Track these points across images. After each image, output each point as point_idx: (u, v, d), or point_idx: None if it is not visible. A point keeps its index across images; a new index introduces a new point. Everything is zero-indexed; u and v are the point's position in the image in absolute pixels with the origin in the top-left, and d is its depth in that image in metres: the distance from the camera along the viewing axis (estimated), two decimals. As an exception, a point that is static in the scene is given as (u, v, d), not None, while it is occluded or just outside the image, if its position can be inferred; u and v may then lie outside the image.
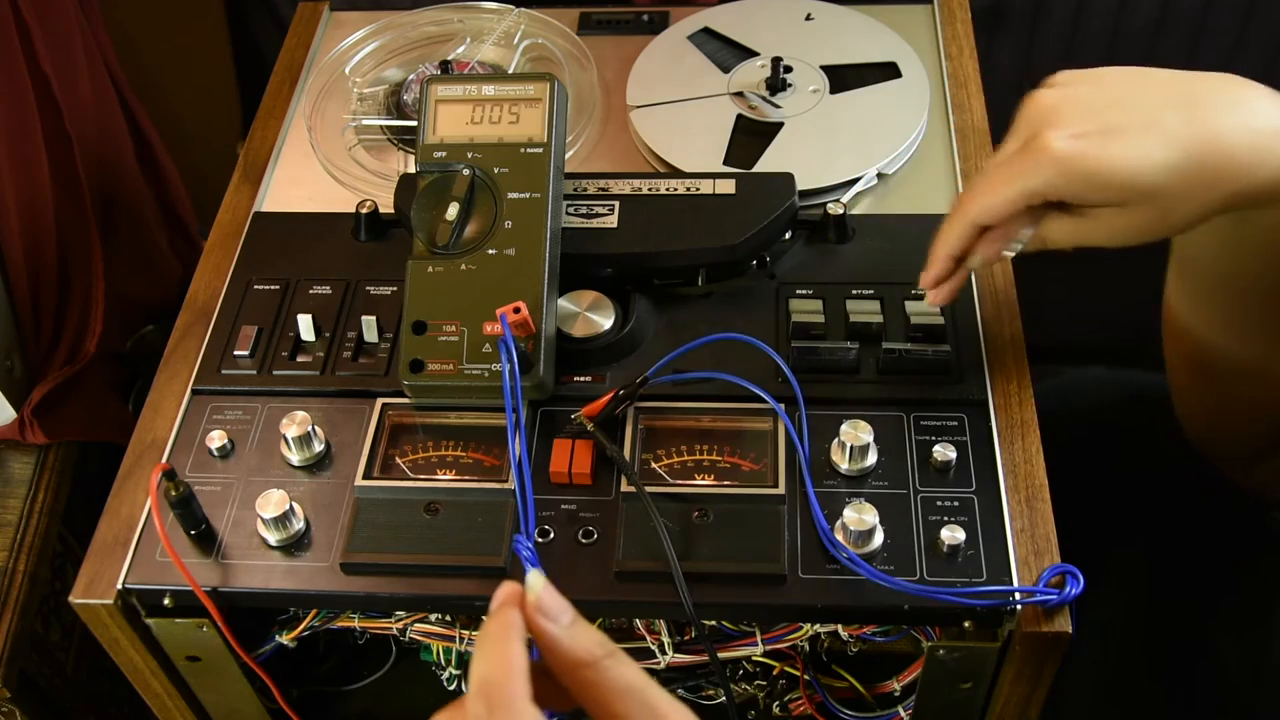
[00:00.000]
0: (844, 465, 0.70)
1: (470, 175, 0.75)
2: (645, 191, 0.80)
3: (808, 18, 0.96)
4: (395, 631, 0.73)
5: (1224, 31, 1.25)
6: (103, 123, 1.06)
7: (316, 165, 0.90)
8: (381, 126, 0.91)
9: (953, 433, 0.71)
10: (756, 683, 0.78)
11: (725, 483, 0.70)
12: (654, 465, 0.71)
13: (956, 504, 0.68)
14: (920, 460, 0.70)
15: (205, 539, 0.69)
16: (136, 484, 0.73)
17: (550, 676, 0.50)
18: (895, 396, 0.73)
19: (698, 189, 0.79)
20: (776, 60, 0.90)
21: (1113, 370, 0.94)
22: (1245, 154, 0.59)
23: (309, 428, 0.71)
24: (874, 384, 0.73)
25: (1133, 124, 0.60)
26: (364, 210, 0.83)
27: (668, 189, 0.80)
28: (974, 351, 0.75)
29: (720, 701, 0.77)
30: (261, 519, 0.68)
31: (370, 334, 0.77)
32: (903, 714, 0.76)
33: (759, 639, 0.71)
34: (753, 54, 0.93)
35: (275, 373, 0.76)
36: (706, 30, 0.96)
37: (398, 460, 0.72)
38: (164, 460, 0.73)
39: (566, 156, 0.81)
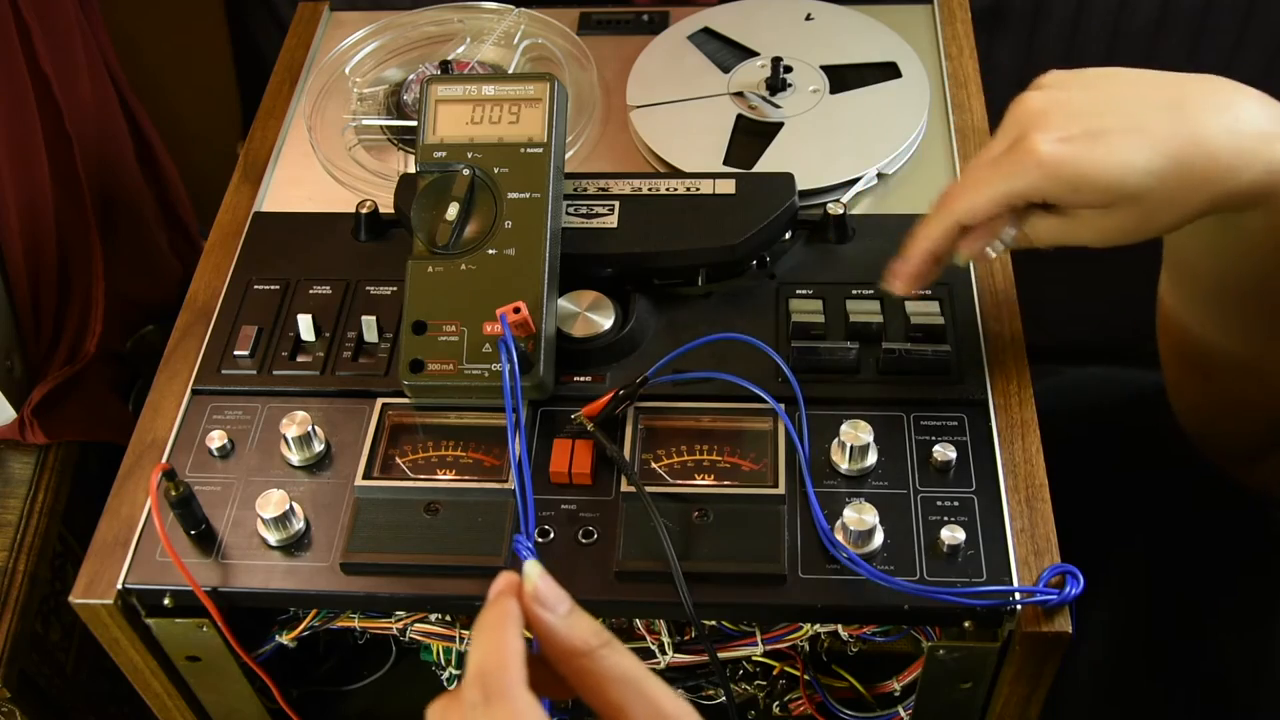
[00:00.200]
0: (844, 465, 0.70)
1: (470, 175, 0.75)
2: (645, 191, 0.80)
3: (808, 18, 0.96)
4: (395, 631, 0.73)
5: (1224, 31, 1.25)
6: (103, 123, 1.06)
7: (316, 165, 0.90)
8: (381, 126, 0.91)
9: (953, 433, 0.71)
10: (756, 683, 0.78)
11: (725, 483, 0.70)
12: (654, 465, 0.71)
13: (956, 504, 0.68)
14: (920, 460, 0.70)
15: (205, 539, 0.69)
16: (136, 484, 0.73)
17: (547, 665, 0.50)
18: (895, 396, 0.73)
19: (698, 189, 0.79)
20: (776, 60, 0.90)
21: (1113, 370, 0.94)
22: (1229, 157, 0.59)
23: (309, 428, 0.71)
24: (874, 384, 0.73)
25: (1118, 127, 0.60)
26: (364, 210, 0.83)
27: (668, 189, 0.80)
28: (974, 351, 0.75)
29: (720, 701, 0.77)
30: (261, 519, 0.68)
31: (370, 334, 0.77)
32: (903, 714, 0.76)
33: (759, 639, 0.71)
34: (753, 54, 0.93)
35: (275, 373, 0.76)
36: (706, 30, 0.96)
37: (398, 460, 0.72)
38: (164, 460, 0.73)
39: (566, 156, 0.81)
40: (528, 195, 0.74)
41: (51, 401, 0.97)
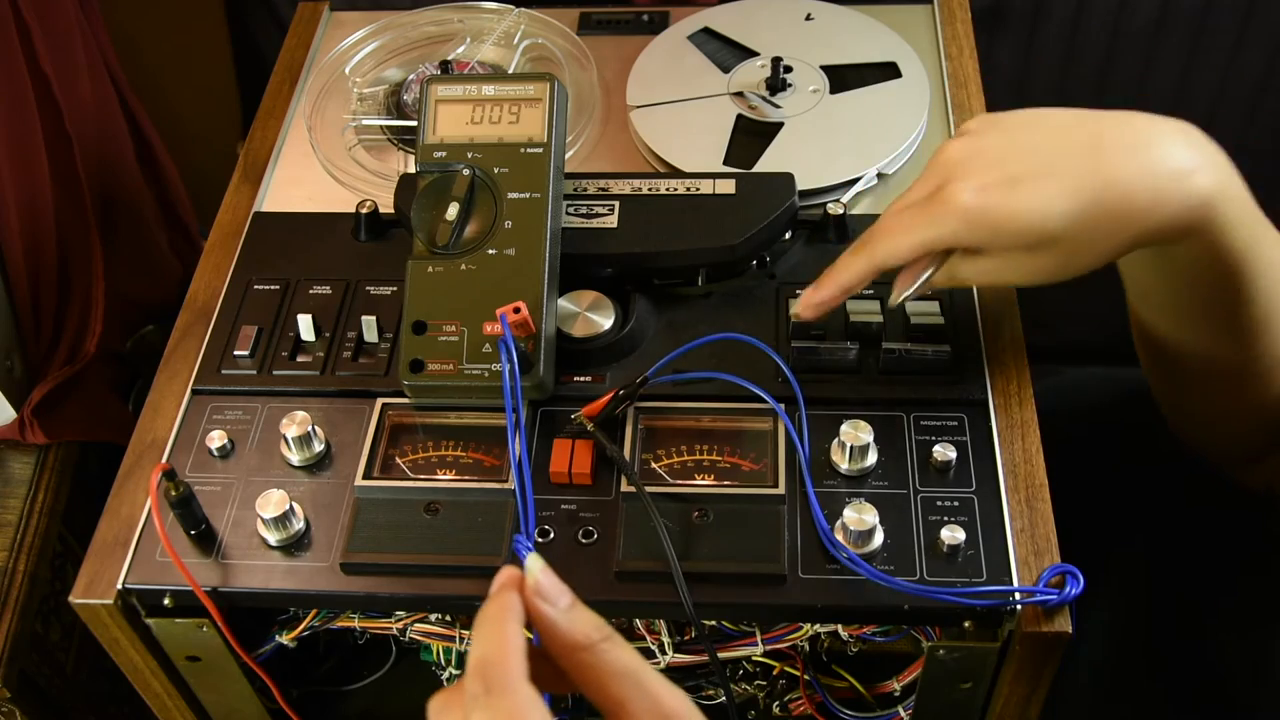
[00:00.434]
0: (844, 465, 0.70)
1: (470, 175, 0.75)
2: (645, 191, 0.80)
3: (808, 18, 0.96)
4: (395, 631, 0.73)
5: (1224, 31, 1.25)
6: (103, 123, 1.06)
7: (316, 165, 0.90)
8: (381, 126, 0.91)
9: (953, 433, 0.71)
10: (756, 683, 0.78)
11: (725, 483, 0.70)
12: (654, 465, 0.71)
13: (956, 504, 0.68)
14: (920, 460, 0.70)
15: (205, 539, 0.69)
16: (136, 484, 0.73)
17: (548, 659, 0.51)
18: (895, 396, 0.73)
19: (698, 189, 0.79)
20: (776, 60, 0.90)
21: (1113, 370, 0.94)
22: (1144, 197, 0.61)
23: (309, 428, 0.71)
24: (874, 384, 0.73)
25: (1035, 172, 0.62)
26: (364, 210, 0.83)
27: (668, 189, 0.80)
28: (974, 351, 0.75)
29: (720, 701, 0.77)
30: (261, 519, 0.68)
31: (370, 334, 0.77)
32: (903, 714, 0.76)
33: (759, 639, 0.71)
34: (753, 54, 0.93)
35: (275, 373, 0.76)
36: (706, 30, 0.96)
37: (398, 460, 0.72)
38: (164, 460, 0.73)
39: (566, 156, 0.81)
40: (528, 195, 0.74)
41: (51, 401, 0.97)
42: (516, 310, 0.69)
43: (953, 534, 0.65)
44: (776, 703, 0.79)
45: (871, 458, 0.70)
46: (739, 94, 0.90)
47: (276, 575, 0.68)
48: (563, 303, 0.76)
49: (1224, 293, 0.66)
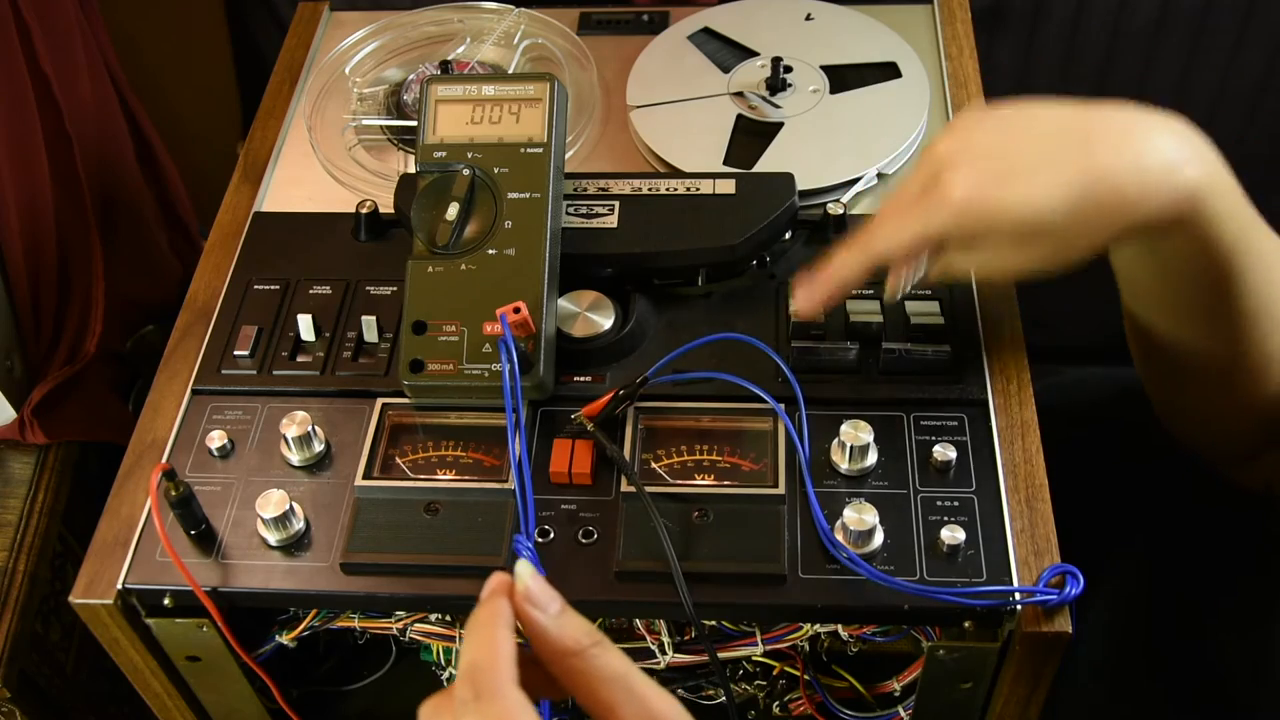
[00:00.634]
0: (844, 465, 0.70)
1: (470, 175, 0.75)
2: (645, 191, 0.80)
3: (808, 18, 0.96)
4: (395, 631, 0.73)
5: (1224, 31, 1.25)
6: (103, 123, 1.06)
7: (316, 165, 0.90)
8: (381, 126, 0.91)
9: (953, 433, 0.71)
10: (756, 683, 0.78)
11: (725, 483, 0.70)
12: (654, 465, 0.71)
13: (956, 504, 0.68)
14: (920, 460, 0.70)
15: (205, 539, 0.69)
16: (136, 484, 0.73)
17: (539, 665, 0.51)
18: (895, 396, 0.73)
19: (698, 189, 0.79)
20: (776, 60, 0.90)
21: (1112, 370, 0.94)
22: (1134, 190, 0.61)
23: (309, 428, 0.71)
24: (874, 384, 0.73)
25: (1026, 165, 0.62)
26: (364, 210, 0.83)
27: (668, 189, 0.80)
28: (974, 351, 0.75)
29: (720, 701, 0.77)
30: (261, 519, 0.68)
31: (370, 334, 0.77)
32: (903, 714, 0.76)
33: (759, 639, 0.71)
34: (753, 54, 0.93)
35: (275, 373, 0.76)
36: (706, 30, 0.96)
37: (398, 460, 0.72)
38: (164, 460, 0.73)
39: (566, 156, 0.81)
40: (528, 195, 0.74)
41: (51, 401, 0.97)
42: (516, 310, 0.69)
43: (953, 534, 0.65)
44: (776, 703, 0.79)
45: (871, 458, 0.70)
46: (739, 94, 0.90)
47: (276, 575, 0.68)
48: (563, 303, 0.76)
49: (1214, 286, 0.66)
